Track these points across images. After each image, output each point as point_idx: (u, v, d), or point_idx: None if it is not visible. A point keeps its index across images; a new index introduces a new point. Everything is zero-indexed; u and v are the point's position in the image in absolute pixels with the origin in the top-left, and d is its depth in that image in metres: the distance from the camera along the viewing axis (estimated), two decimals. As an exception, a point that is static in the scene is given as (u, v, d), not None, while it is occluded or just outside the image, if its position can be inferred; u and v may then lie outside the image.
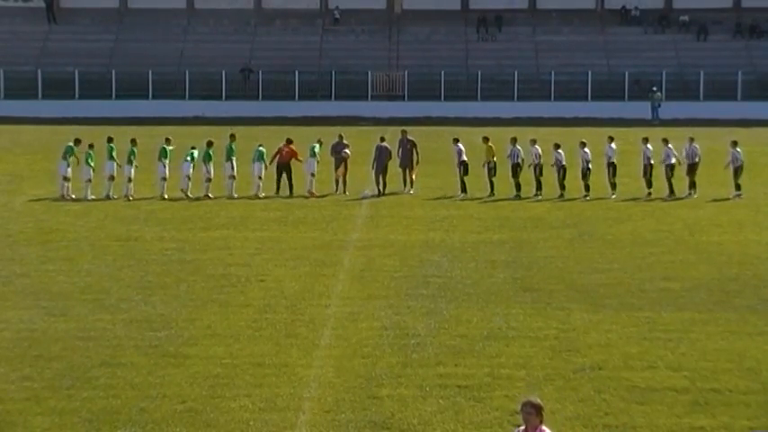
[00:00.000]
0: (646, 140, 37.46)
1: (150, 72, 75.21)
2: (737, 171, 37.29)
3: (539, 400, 11.19)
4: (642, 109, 72.05)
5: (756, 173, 41.75)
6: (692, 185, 37.20)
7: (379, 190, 37.76)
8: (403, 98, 75.98)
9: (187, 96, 74.71)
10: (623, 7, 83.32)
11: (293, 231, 30.81)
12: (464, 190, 37.58)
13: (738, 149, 37.59)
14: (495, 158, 37.22)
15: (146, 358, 18.68)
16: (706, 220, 33.30)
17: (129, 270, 25.58)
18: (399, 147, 38.55)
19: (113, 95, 75.19)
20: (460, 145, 37.86)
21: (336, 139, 38.94)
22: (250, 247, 28.57)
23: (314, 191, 37.27)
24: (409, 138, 38.70)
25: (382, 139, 38.65)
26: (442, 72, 75.62)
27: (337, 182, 38.14)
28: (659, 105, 71.75)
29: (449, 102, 74.36)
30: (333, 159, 38.38)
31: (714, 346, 19.72)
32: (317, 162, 37.74)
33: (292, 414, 16.16)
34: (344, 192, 37.73)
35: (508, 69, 76.48)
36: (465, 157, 37.87)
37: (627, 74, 75.92)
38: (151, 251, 27.82)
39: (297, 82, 75.56)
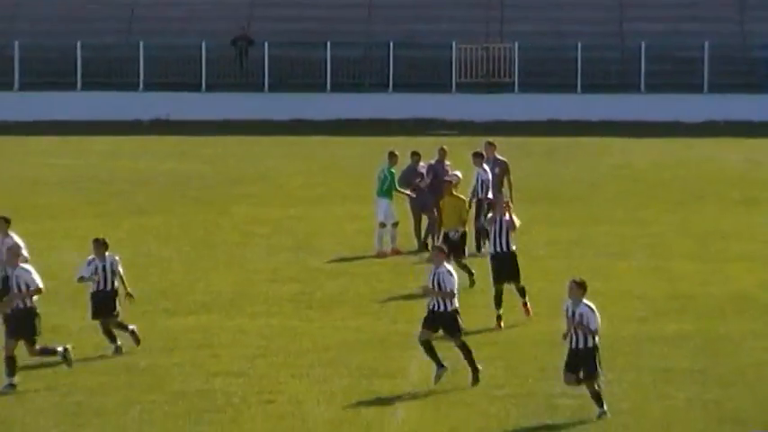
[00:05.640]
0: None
1: (79, 45, 58.59)
2: None
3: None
4: None
5: None
6: None
7: None
8: (512, 88, 59.57)
9: (141, 86, 59.00)
10: None
11: (321, 318, 25.54)
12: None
13: None
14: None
15: None
16: None
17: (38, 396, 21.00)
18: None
19: (15, 85, 58.51)
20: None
21: (410, 162, 33.37)
22: (249, 343, 23.49)
23: (396, 246, 30.65)
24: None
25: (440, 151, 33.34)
26: (579, 45, 57.96)
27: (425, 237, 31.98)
28: None
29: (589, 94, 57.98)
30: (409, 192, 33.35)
31: None
32: (391, 195, 30.90)
33: None
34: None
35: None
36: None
37: None
38: (80, 352, 22.02)
39: (328, 61, 58.66)
